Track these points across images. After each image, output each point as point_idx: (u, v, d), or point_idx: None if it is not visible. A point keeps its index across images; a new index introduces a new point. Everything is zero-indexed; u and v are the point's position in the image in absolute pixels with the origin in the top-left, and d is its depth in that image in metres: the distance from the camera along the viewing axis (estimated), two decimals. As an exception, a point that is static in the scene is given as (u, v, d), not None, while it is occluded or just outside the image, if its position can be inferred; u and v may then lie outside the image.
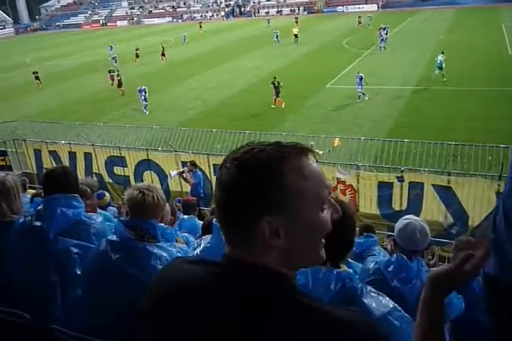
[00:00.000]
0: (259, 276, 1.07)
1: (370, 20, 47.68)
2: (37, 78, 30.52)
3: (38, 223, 2.88)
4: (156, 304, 1.17)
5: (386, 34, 34.79)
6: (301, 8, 73.39)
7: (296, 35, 41.19)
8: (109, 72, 29.19)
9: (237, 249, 1.11)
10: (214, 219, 2.69)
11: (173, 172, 11.38)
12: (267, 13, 75.76)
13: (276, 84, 21.85)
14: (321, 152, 11.96)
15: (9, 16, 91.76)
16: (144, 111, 23.01)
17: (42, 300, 2.74)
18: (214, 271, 1.11)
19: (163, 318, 1.13)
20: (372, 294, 2.00)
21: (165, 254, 2.52)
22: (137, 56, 37.43)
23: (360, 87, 21.90)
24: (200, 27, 58.02)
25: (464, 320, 3.13)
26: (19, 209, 3.06)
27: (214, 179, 11.76)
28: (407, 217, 3.09)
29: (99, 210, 4.70)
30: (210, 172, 11.89)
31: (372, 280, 2.89)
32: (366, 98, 22.04)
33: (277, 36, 41.84)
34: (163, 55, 37.27)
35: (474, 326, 3.44)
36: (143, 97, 23.01)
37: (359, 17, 48.92)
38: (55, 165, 13.60)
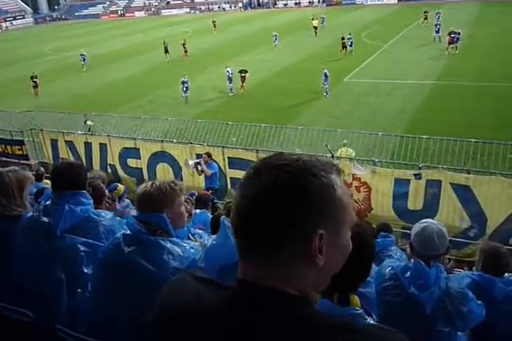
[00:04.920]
0: (282, 303, 0.98)
1: (439, 18, 36.45)
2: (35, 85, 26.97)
3: (45, 219, 2.83)
4: (163, 322, 1.12)
5: (459, 34, 29.33)
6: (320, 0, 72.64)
7: (316, 28, 41.00)
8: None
9: (257, 272, 1.00)
10: (223, 217, 2.60)
11: (191, 161, 11.30)
12: (285, 5, 75.16)
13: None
14: (351, 150, 11.69)
15: (28, 6, 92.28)
16: (184, 100, 23.56)
17: (47, 299, 2.69)
18: (228, 296, 1.03)
19: (169, 338, 1.08)
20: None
21: (178, 249, 2.48)
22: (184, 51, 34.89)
23: (325, 83, 22.00)
24: (215, 26, 49.13)
25: (485, 327, 3.02)
26: (24, 204, 3.01)
27: (228, 172, 11.76)
28: (424, 220, 2.97)
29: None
30: (224, 165, 11.81)
31: (388, 285, 2.78)
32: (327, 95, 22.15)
33: (276, 38, 36.47)
34: (166, 52, 34.83)
35: (495, 333, 3.34)
36: (185, 88, 23.58)
37: (425, 12, 40.54)
38: (71, 155, 13.69)
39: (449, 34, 29.23)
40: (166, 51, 34.63)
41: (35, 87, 26.85)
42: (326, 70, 21.91)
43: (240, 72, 24.22)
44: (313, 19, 41.90)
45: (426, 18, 39.90)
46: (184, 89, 23.34)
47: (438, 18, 36.37)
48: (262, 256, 0.99)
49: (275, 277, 0.99)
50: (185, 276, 1.20)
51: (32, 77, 26.83)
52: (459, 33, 29.21)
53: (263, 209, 0.97)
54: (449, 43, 29.23)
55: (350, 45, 31.36)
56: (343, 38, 31.39)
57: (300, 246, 0.97)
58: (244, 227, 1.00)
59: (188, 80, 23.30)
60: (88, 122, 15.52)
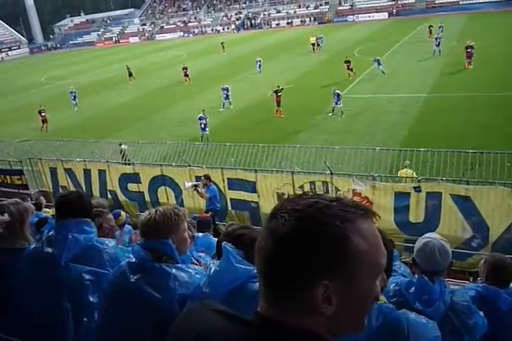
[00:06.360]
0: None
1: (442, 31, 37.07)
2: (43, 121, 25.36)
3: (49, 249, 2.84)
4: None
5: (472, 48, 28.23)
6: (312, 18, 73.74)
7: (313, 44, 42.19)
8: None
9: (276, 308, 1.01)
10: (224, 242, 2.62)
11: (188, 184, 11.32)
12: (278, 24, 76.32)
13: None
14: (411, 170, 11.11)
15: (24, 36, 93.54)
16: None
17: (54, 330, 2.68)
18: (246, 331, 1.03)
19: None
20: (417, 321, 1.87)
21: (184, 275, 2.48)
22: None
23: (338, 102, 21.45)
24: (223, 48, 49.32)
25: (492, 339, 3.01)
26: (26, 237, 3.03)
27: (228, 193, 11.77)
28: (426, 235, 2.99)
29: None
30: (224, 186, 11.84)
31: (393, 302, 2.78)
32: (340, 117, 21.63)
33: (260, 65, 34.87)
34: (130, 75, 37.16)
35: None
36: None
37: (430, 26, 40.25)
38: (70, 182, 13.70)
39: (466, 48, 28.44)
40: (130, 75, 37.12)
41: (44, 121, 25.25)
42: (337, 90, 21.59)
43: (276, 92, 22.52)
44: (311, 36, 43.15)
45: (431, 33, 39.23)
46: (202, 126, 20.36)
47: (441, 32, 36.65)
48: (274, 296, 1.01)
49: (290, 318, 0.99)
50: (201, 307, 1.20)
51: (40, 112, 25.21)
52: (473, 47, 28.40)
53: (270, 253, 0.99)
54: (467, 57, 28.47)
55: (379, 67, 29.06)
56: (346, 62, 29.13)
57: (305, 293, 0.97)
58: (259, 267, 1.03)
59: (206, 116, 20.41)
60: (122, 146, 15.69)
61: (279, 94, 22.46)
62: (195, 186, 11.23)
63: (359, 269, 0.98)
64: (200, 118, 20.33)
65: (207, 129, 20.29)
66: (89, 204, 3.11)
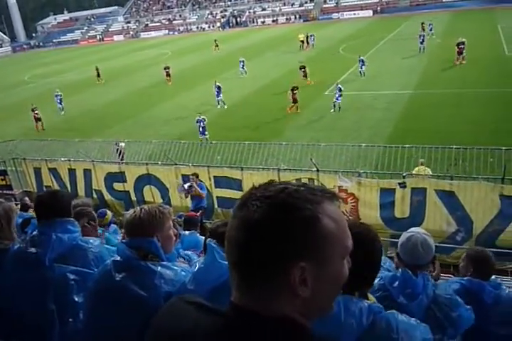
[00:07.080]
0: (277, 331, 1.00)
1: (431, 29, 38.11)
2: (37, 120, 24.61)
3: (33, 249, 2.82)
4: None
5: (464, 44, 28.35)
6: (297, 16, 73.88)
7: (302, 42, 42.36)
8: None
9: (249, 296, 1.02)
10: (209, 239, 2.62)
11: (185, 185, 11.17)
12: (263, 22, 76.33)
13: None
14: (428, 169, 11.00)
15: (6, 35, 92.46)
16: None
17: (39, 330, 2.67)
18: (222, 322, 1.04)
19: None
20: (405, 322, 1.92)
21: (169, 273, 2.48)
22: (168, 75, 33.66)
23: (339, 98, 21.44)
24: (217, 46, 48.45)
25: (477, 331, 3.05)
26: (12, 236, 3.00)
27: (215, 191, 11.76)
28: (410, 230, 3.02)
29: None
30: (210, 184, 11.82)
31: (377, 296, 2.80)
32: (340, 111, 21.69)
33: (243, 65, 33.36)
34: (98, 76, 37.41)
35: (487, 337, 3.37)
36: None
37: (422, 23, 37.41)
38: (55, 182, 13.57)
39: (458, 45, 28.40)
40: (98, 75, 37.34)
41: (38, 120, 24.41)
42: (340, 85, 21.64)
43: (292, 89, 22.15)
44: (299, 33, 43.15)
45: (424, 29, 37.73)
46: (201, 129, 19.20)
47: (430, 30, 37.02)
48: (247, 285, 1.02)
49: (264, 305, 1.01)
50: (178, 301, 1.21)
51: (33, 110, 24.36)
52: (464, 43, 28.46)
53: (243, 241, 1.00)
54: (458, 54, 28.52)
55: (361, 67, 28.02)
56: (301, 68, 27.94)
57: (281, 278, 0.98)
58: (231, 256, 1.04)
59: (204, 119, 19.23)
60: (121, 144, 15.59)
61: (294, 91, 22.09)
62: (190, 186, 11.10)
63: (330, 250, 1.01)
64: (197, 122, 19.32)
65: (206, 133, 19.18)
66: (64, 202, 3.03)
